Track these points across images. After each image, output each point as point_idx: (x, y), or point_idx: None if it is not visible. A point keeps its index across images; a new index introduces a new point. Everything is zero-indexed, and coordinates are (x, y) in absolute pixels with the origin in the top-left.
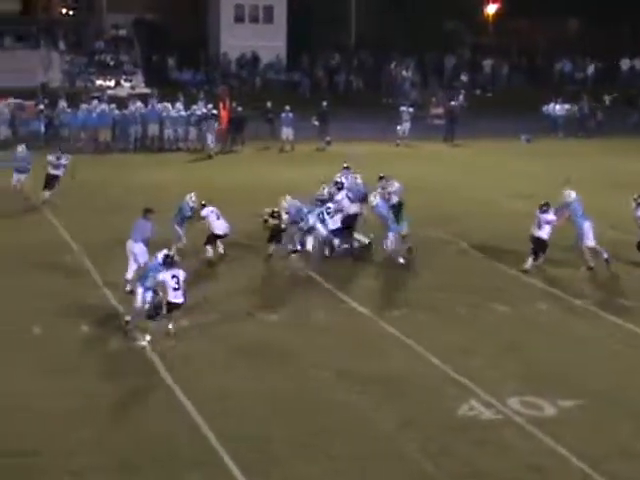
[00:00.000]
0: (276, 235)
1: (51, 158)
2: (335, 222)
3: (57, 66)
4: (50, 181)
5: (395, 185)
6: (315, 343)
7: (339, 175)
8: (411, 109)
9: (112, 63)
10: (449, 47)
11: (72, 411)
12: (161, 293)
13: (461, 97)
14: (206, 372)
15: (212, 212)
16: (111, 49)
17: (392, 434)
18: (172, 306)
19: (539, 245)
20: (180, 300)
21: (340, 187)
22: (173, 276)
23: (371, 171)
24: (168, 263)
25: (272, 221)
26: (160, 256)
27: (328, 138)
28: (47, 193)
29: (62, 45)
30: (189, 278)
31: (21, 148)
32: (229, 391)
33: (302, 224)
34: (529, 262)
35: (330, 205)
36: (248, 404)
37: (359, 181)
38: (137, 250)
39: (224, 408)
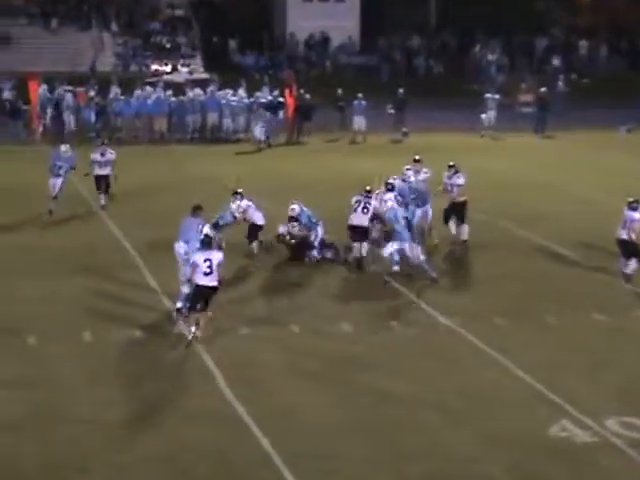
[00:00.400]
0: (304, 246)
1: (95, 156)
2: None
3: (109, 49)
4: (99, 183)
5: (460, 180)
6: (393, 355)
7: (407, 167)
8: (497, 96)
9: (168, 46)
10: (540, 27)
11: (127, 421)
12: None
13: (560, 83)
14: (270, 385)
15: (251, 203)
16: (167, 30)
17: (474, 456)
18: (202, 289)
19: (628, 248)
20: (212, 284)
21: (390, 188)
22: (206, 259)
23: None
24: (205, 244)
25: (290, 239)
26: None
27: (405, 129)
28: (103, 197)
29: (114, 26)
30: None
31: (65, 147)
32: (295, 406)
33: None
34: (632, 266)
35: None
36: (315, 420)
37: (422, 177)
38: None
39: (289, 424)
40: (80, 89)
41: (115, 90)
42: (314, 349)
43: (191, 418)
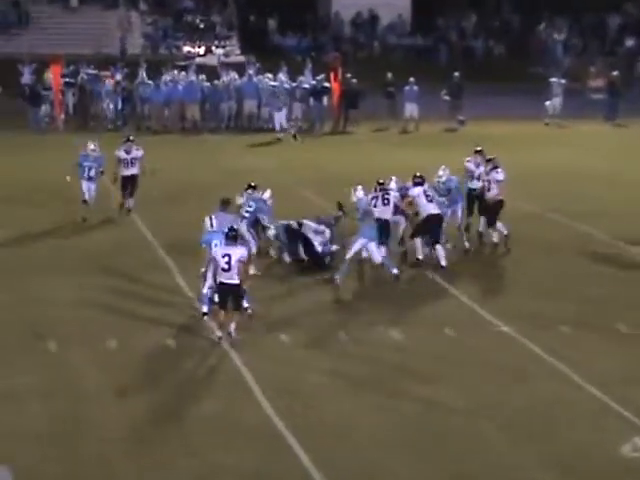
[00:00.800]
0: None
1: (121, 153)
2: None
3: (137, 29)
4: (126, 184)
5: (499, 175)
6: (446, 365)
7: (467, 160)
8: (564, 81)
9: (202, 26)
10: (612, 3)
11: (156, 438)
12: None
13: (639, 65)
14: (313, 397)
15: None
16: (200, 9)
17: (538, 477)
18: (223, 287)
19: None
20: (232, 281)
21: (419, 182)
22: (225, 255)
23: (512, 157)
24: (229, 238)
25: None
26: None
27: (461, 117)
28: (131, 201)
29: (142, 4)
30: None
31: (93, 145)
32: (339, 420)
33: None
34: None
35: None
36: (362, 435)
37: (497, 174)
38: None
39: (333, 440)
40: (105, 73)
41: (142, 74)
42: (360, 357)
43: (226, 434)
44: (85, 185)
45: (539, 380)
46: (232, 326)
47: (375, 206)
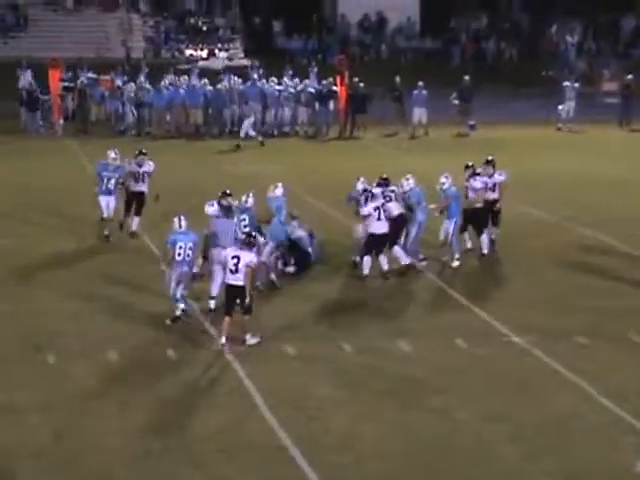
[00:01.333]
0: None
1: (131, 167)
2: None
3: (138, 32)
4: (131, 201)
5: (502, 177)
6: (458, 378)
7: (478, 171)
8: (577, 84)
9: (205, 28)
10: (628, 5)
11: (159, 453)
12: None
13: None
14: (319, 410)
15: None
16: (203, 11)
17: None
18: (229, 288)
19: None
20: (237, 283)
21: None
22: (234, 256)
23: (523, 162)
24: (244, 243)
25: None
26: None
27: (471, 121)
28: (136, 220)
29: (143, 6)
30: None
31: (114, 154)
32: (348, 435)
33: None
34: None
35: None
36: (372, 451)
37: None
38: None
39: (341, 456)
40: (105, 77)
41: (141, 78)
42: (369, 370)
43: (229, 446)
44: (103, 201)
45: (550, 392)
46: (247, 336)
47: (379, 219)
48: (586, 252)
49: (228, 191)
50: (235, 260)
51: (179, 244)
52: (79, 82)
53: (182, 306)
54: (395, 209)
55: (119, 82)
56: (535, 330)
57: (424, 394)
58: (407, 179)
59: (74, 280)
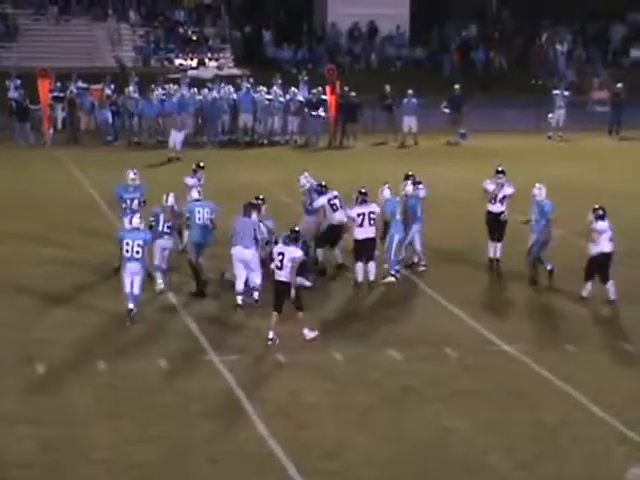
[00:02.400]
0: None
1: (190, 180)
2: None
3: (127, 42)
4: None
5: (510, 189)
6: (448, 387)
7: (488, 182)
8: (567, 93)
9: (194, 38)
10: (616, 13)
11: (149, 463)
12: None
13: None
14: (311, 420)
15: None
16: (193, 20)
17: None
18: (275, 284)
19: None
20: (282, 278)
21: (323, 192)
22: (279, 253)
23: (514, 171)
24: (289, 238)
25: None
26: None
27: (462, 130)
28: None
29: (133, 16)
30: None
31: (133, 174)
32: (339, 445)
33: None
34: None
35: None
36: (363, 461)
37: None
38: (249, 257)
39: (332, 465)
40: (96, 87)
41: (130, 88)
42: (359, 379)
43: (220, 459)
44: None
45: (541, 400)
46: (305, 330)
47: (361, 225)
48: (574, 259)
49: (261, 196)
50: (280, 257)
51: (126, 240)
52: (68, 92)
53: (131, 306)
54: (338, 217)
55: (108, 91)
56: (525, 339)
57: (414, 403)
58: (382, 190)
59: (61, 290)
